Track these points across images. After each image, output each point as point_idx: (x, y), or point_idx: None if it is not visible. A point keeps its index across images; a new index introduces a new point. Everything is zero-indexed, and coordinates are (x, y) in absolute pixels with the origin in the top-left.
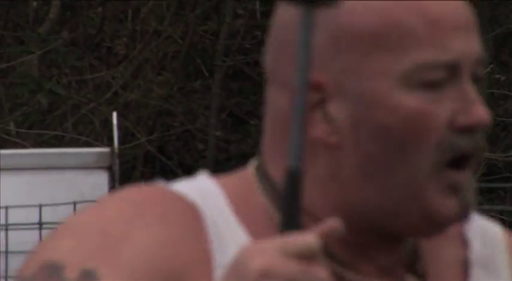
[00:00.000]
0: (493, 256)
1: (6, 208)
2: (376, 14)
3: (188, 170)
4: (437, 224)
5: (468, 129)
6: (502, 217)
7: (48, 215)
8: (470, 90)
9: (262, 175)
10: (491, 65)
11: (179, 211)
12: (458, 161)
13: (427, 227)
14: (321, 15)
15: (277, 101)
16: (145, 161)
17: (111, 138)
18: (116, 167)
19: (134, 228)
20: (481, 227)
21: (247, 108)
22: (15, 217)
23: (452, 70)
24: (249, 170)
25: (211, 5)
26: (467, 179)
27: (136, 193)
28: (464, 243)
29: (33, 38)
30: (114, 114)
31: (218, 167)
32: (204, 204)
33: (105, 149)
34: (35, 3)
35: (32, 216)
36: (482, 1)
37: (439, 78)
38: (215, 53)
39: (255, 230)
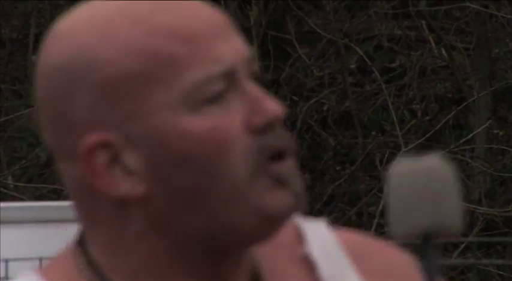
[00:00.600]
0: (341, 271)
1: (6, 260)
2: (131, 53)
3: None
4: (273, 221)
5: (266, 127)
6: (501, 272)
7: None
8: (253, 90)
9: (83, 253)
10: (490, 120)
11: None
12: (275, 156)
13: (264, 226)
14: (78, 72)
15: (66, 174)
16: None
17: None
18: None
19: None
20: (318, 240)
21: None
22: (15, 269)
23: (229, 78)
24: (72, 246)
25: None
26: (290, 169)
27: None
28: (308, 265)
29: (31, 91)
30: None
31: None
32: None
33: None
34: (33, 58)
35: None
36: (481, 56)
37: (219, 90)
38: None
39: None
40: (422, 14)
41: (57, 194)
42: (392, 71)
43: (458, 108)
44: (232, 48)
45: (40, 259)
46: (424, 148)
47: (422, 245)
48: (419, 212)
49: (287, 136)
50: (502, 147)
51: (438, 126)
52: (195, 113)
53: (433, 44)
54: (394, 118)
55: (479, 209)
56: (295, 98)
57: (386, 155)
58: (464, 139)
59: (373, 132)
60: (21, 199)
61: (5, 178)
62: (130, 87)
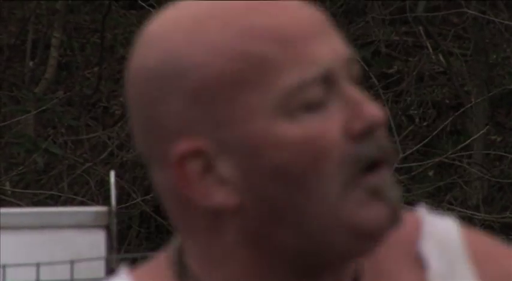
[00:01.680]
0: (454, 272)
1: (4, 266)
2: (224, 57)
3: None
4: (369, 238)
5: (366, 133)
6: None
7: (45, 274)
8: (354, 93)
9: (178, 262)
10: (487, 126)
11: None
12: (370, 166)
13: (360, 244)
14: (170, 77)
15: (158, 181)
16: (141, 220)
17: (106, 199)
18: (114, 226)
19: None
20: (436, 237)
21: None
22: (12, 275)
23: (328, 81)
24: (168, 252)
25: None
26: (386, 179)
27: None
28: (420, 263)
29: (29, 97)
30: (112, 173)
31: None
32: None
33: (103, 208)
34: (31, 63)
35: (30, 275)
36: (479, 62)
37: (316, 95)
38: None
39: None
40: (419, 19)
41: (54, 200)
42: (390, 77)
43: (456, 114)
44: (331, 49)
45: (38, 265)
46: (422, 155)
47: None
48: None
49: (386, 143)
50: (500, 153)
51: (436, 132)
52: (291, 120)
53: (431, 50)
54: (392, 124)
55: (477, 216)
56: None
57: None
58: (462, 145)
59: None
60: (19, 206)
61: (3, 184)
62: (223, 92)
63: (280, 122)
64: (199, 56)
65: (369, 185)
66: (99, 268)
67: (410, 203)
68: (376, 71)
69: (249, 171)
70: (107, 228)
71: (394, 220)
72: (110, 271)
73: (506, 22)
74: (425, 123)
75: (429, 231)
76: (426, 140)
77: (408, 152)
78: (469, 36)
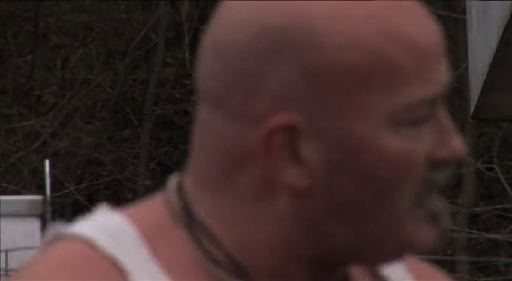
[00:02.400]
0: None
1: None
2: (362, 49)
3: None
4: (410, 253)
5: (446, 163)
6: None
7: None
8: (445, 121)
9: (188, 214)
10: None
11: (102, 274)
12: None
13: (399, 256)
14: (293, 44)
15: (223, 131)
16: (74, 209)
17: (39, 187)
18: (48, 215)
19: None
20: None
21: (176, 157)
22: None
23: (433, 104)
24: (163, 201)
25: (140, 54)
26: (443, 206)
27: (57, 259)
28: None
29: None
30: (47, 162)
31: None
32: (120, 254)
33: (37, 197)
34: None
35: None
36: None
37: (424, 114)
38: (144, 102)
39: (178, 276)
40: None
41: None
42: None
43: None
44: (444, 73)
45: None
46: None
47: None
48: None
49: (450, 175)
50: None
51: None
52: (395, 132)
53: None
54: None
55: None
56: None
57: None
58: None
59: None
60: None
61: None
62: (345, 82)
63: (386, 131)
64: (336, 37)
65: (431, 209)
66: (34, 256)
67: None
68: None
69: (334, 163)
70: (42, 217)
71: (438, 243)
72: None
73: (440, 12)
74: None
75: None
76: None
77: None
78: None
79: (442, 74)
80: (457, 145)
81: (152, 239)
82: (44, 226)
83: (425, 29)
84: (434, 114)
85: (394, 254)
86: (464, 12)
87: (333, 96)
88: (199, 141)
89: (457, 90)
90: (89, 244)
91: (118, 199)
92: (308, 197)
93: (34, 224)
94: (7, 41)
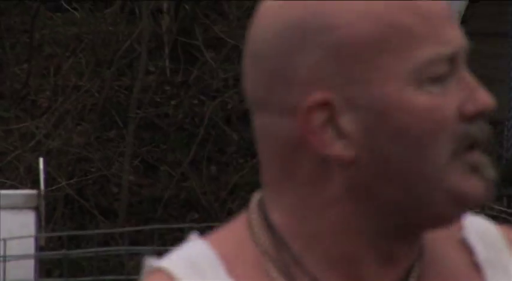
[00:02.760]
0: (497, 257)
1: None
2: (372, 21)
3: (103, 212)
4: (464, 205)
5: (477, 116)
6: None
7: None
8: (469, 78)
9: (263, 218)
10: None
11: None
12: (471, 146)
13: (455, 209)
14: (312, 32)
15: (274, 129)
16: (66, 202)
17: (34, 182)
18: (42, 208)
19: None
20: (479, 230)
21: (157, 155)
22: None
23: (452, 62)
24: (248, 212)
25: (125, 62)
26: (483, 159)
27: None
28: (467, 248)
29: None
30: (41, 160)
31: (131, 209)
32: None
33: (33, 191)
34: None
35: None
36: None
37: (443, 71)
38: (129, 106)
39: None
40: None
41: None
42: None
43: None
44: (458, 34)
45: None
46: None
47: None
48: None
49: (487, 130)
50: None
51: None
52: (420, 89)
53: None
54: None
55: None
56: (202, 97)
57: None
58: None
59: None
60: None
61: None
62: (364, 52)
63: (410, 89)
64: (347, 15)
65: (471, 161)
66: (29, 245)
67: None
68: None
69: (371, 129)
70: (36, 209)
71: (487, 194)
72: (40, 248)
73: None
74: None
75: (469, 223)
76: None
77: None
78: None
79: (454, 35)
80: (484, 98)
81: (230, 259)
82: (38, 218)
83: None
84: (456, 72)
85: (448, 208)
86: None
87: (355, 68)
88: (260, 148)
89: None
90: (168, 275)
91: (105, 192)
92: (357, 167)
93: (29, 216)
94: (5, 51)
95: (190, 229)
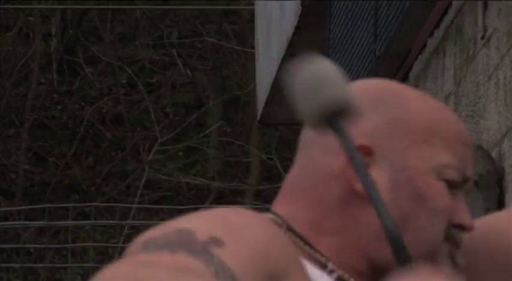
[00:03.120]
0: None
1: None
2: (427, 116)
3: (3, 193)
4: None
5: (459, 227)
6: None
7: None
8: (465, 203)
9: (285, 224)
10: (221, 121)
11: (275, 227)
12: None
13: (424, 259)
14: (386, 104)
15: (317, 161)
16: None
17: None
18: None
19: (251, 222)
20: None
21: (47, 149)
22: None
23: (463, 182)
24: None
25: (21, 75)
26: (460, 253)
27: (239, 210)
28: None
29: None
30: None
31: (25, 191)
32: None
33: None
34: None
35: None
36: (216, 75)
37: (456, 183)
38: (24, 110)
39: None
40: (173, 44)
41: None
42: (152, 85)
43: (199, 112)
44: (471, 164)
45: None
46: (174, 141)
47: (330, 122)
48: (319, 96)
49: (461, 239)
50: (230, 140)
51: (184, 125)
52: (437, 180)
53: (181, 66)
54: (153, 118)
55: (214, 184)
56: (82, 103)
57: (147, 145)
58: (202, 134)
59: (138, 128)
60: None
61: None
62: (411, 135)
63: (432, 176)
64: (416, 105)
65: (451, 248)
66: None
67: (166, 174)
68: (143, 80)
69: (395, 183)
70: None
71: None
72: None
73: (235, 47)
74: (177, 118)
75: None
76: (177, 130)
77: (165, 138)
78: (209, 56)
79: (470, 164)
80: (469, 221)
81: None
82: None
83: (463, 126)
84: (462, 192)
85: (423, 257)
86: (253, 47)
87: (402, 142)
88: (302, 173)
89: (248, 103)
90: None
91: (5, 178)
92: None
93: None
94: None
95: (73, 208)
